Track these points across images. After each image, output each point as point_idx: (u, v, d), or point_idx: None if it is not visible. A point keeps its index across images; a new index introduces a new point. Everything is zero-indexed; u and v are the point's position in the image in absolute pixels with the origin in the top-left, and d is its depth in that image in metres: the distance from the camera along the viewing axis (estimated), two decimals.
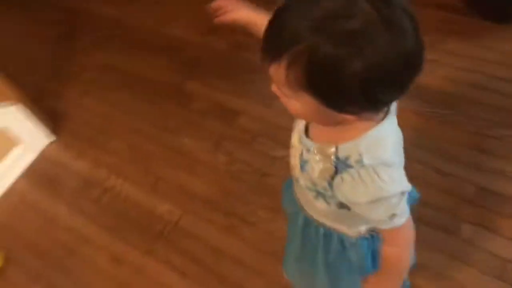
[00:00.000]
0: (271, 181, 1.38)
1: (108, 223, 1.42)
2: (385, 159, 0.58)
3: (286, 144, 0.76)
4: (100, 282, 1.32)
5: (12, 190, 1.56)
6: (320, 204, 0.71)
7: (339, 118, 0.56)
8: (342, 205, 0.67)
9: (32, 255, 1.41)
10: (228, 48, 1.77)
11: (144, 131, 1.59)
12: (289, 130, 0.73)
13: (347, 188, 0.60)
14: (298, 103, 0.57)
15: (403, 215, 0.63)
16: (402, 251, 0.69)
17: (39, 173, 1.59)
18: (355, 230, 0.76)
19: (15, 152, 1.57)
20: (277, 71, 0.53)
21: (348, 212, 0.68)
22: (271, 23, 0.53)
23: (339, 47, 0.48)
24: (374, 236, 0.77)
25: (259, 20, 0.75)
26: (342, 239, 0.78)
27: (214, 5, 0.82)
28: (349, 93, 0.51)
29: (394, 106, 0.63)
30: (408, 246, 0.70)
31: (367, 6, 0.48)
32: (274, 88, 0.58)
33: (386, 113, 0.61)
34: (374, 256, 0.78)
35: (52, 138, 1.65)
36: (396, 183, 0.59)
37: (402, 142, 0.63)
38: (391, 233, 0.66)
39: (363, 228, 0.75)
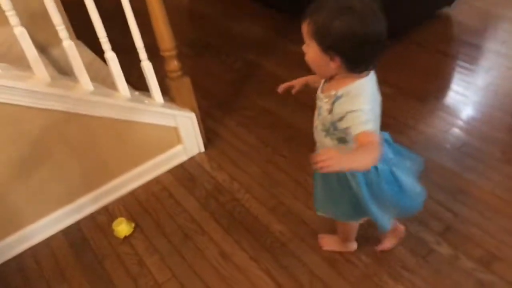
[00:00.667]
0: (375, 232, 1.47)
1: (226, 224, 1.62)
2: (362, 93, 0.98)
3: None
4: (204, 269, 1.49)
5: (159, 178, 1.88)
6: (328, 141, 1.09)
7: (330, 69, 0.97)
8: (340, 140, 1.07)
9: (156, 232, 1.66)
10: None
11: (279, 164, 1.83)
12: None
13: (341, 105, 0.99)
14: (310, 50, 0.98)
15: (370, 124, 0.95)
16: (372, 146, 0.94)
17: (184, 172, 1.89)
18: None
19: (174, 150, 1.91)
20: (303, 28, 0.97)
21: (345, 147, 1.07)
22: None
23: (332, 15, 0.91)
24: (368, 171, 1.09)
25: (311, 78, 1.22)
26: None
27: (282, 88, 1.31)
28: (332, 43, 0.92)
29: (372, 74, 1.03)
30: (373, 147, 0.94)
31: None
32: (304, 47, 0.99)
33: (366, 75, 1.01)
34: (368, 185, 1.12)
35: (203, 149, 1.98)
36: (366, 103, 0.97)
37: (375, 93, 1.04)
38: (364, 135, 0.95)
39: None
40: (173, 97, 1.87)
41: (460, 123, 1.92)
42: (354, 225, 1.39)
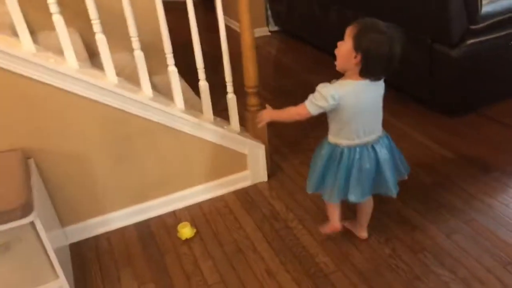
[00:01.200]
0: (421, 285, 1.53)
1: (276, 247, 1.77)
2: (338, 84, 1.44)
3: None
4: (250, 281, 1.63)
5: (223, 197, 2.09)
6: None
7: (350, 63, 1.38)
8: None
9: (213, 241, 1.84)
10: (434, 183, 2.08)
11: None
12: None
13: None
14: (344, 45, 1.39)
15: (311, 102, 1.45)
16: (297, 110, 1.51)
17: (246, 195, 2.09)
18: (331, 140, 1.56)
19: (241, 174, 2.13)
20: (349, 29, 1.39)
21: (330, 115, 1.52)
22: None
23: (372, 29, 1.35)
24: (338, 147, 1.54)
25: (279, 112, 1.62)
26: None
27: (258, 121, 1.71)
28: (362, 45, 1.34)
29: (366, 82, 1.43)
30: (298, 113, 1.51)
31: (391, 29, 1.36)
32: (340, 43, 1.42)
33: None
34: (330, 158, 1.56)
35: (266, 179, 2.18)
36: (326, 90, 1.42)
37: (346, 94, 1.43)
38: (303, 105, 1.48)
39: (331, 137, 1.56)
40: (248, 128, 2.11)
41: None
42: (333, 206, 1.69)
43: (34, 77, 1.57)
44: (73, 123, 1.71)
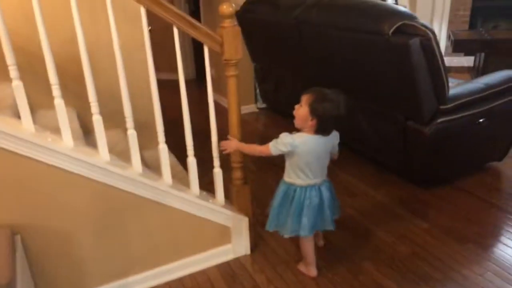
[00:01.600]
0: None
1: None
2: (296, 135, 1.83)
3: None
4: None
5: (204, 271, 2.12)
6: None
7: (307, 124, 1.78)
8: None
9: None
10: (410, 253, 2.15)
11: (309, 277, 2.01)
12: None
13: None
14: (301, 110, 1.79)
15: (274, 145, 1.85)
16: (261, 149, 1.93)
17: (228, 269, 2.12)
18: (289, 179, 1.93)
19: (224, 248, 2.18)
20: (304, 97, 1.80)
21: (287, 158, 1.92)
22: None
23: (324, 99, 1.76)
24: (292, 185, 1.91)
25: (245, 145, 2.03)
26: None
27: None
28: (317, 111, 1.75)
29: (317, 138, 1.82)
30: (261, 151, 1.93)
31: (336, 96, 1.77)
32: (297, 106, 1.81)
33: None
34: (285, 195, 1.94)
35: (249, 252, 2.23)
36: (287, 138, 1.81)
37: (302, 143, 1.82)
38: (267, 145, 1.87)
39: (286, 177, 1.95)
40: (233, 201, 2.19)
41: (496, 268, 2.01)
42: (309, 246, 2.00)
43: (31, 155, 1.64)
44: (63, 200, 1.76)
